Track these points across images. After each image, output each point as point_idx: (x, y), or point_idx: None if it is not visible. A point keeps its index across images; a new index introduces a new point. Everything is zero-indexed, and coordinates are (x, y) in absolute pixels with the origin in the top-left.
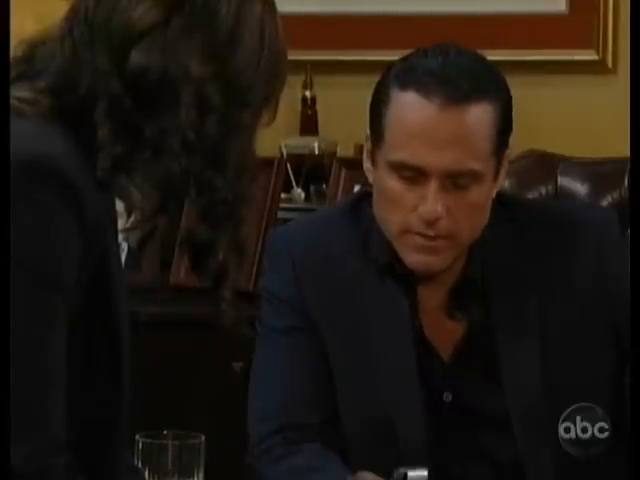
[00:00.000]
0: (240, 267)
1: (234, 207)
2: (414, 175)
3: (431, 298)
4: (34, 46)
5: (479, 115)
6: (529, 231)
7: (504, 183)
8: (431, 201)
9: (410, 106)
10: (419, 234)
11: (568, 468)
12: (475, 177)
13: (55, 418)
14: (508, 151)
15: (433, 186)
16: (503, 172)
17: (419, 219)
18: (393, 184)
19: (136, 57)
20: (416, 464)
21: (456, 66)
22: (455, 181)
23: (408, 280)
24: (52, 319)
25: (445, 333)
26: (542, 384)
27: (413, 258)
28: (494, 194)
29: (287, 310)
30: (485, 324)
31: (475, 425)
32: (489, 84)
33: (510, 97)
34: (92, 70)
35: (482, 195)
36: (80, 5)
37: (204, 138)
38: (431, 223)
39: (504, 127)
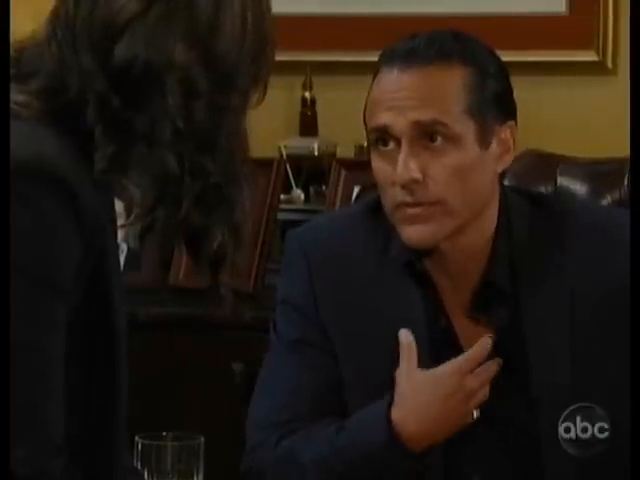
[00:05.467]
0: (238, 250)
1: (226, 190)
2: (389, 145)
3: (454, 300)
4: (20, 49)
5: (441, 75)
6: (565, 234)
7: (509, 162)
8: (400, 163)
9: (377, 81)
10: (404, 205)
11: (575, 468)
12: (448, 137)
13: (54, 421)
14: (511, 123)
15: (403, 148)
16: (506, 147)
17: (398, 188)
18: (376, 162)
19: (120, 51)
20: (432, 469)
21: (422, 38)
22: (427, 142)
23: (428, 281)
24: (52, 321)
25: (472, 336)
26: (573, 391)
27: (405, 232)
28: (498, 169)
29: (299, 319)
30: (514, 329)
31: (498, 430)
32: (454, 49)
33: (497, 68)
34: (78, 71)
35: (464, 160)
36: (61, 7)
37: (193, 123)
38: (409, 188)
39: (484, 93)
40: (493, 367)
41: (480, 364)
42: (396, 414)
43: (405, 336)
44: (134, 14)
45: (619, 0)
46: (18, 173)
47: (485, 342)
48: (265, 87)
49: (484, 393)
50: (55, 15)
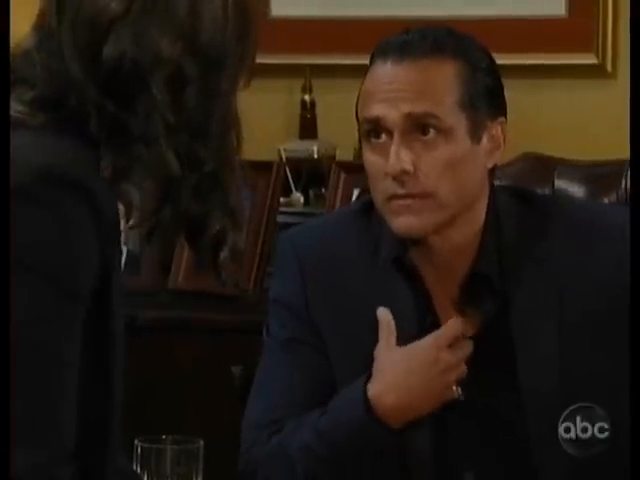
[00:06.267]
0: (237, 233)
1: (221, 175)
2: (381, 138)
3: (443, 294)
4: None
5: (434, 67)
6: (554, 229)
7: (499, 158)
8: (392, 154)
9: (371, 73)
10: (395, 197)
11: (568, 468)
12: (441, 130)
13: (67, 427)
14: (501, 119)
15: (395, 140)
16: (496, 144)
17: (390, 180)
18: (368, 155)
19: (108, 52)
20: (422, 465)
21: (415, 33)
22: (419, 134)
23: (416, 276)
24: (71, 330)
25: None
26: (560, 384)
27: (395, 222)
28: (489, 165)
29: (291, 318)
30: (502, 323)
31: (486, 425)
32: (448, 43)
33: (488, 63)
34: (68, 80)
35: (455, 153)
36: (44, 16)
37: (185, 114)
38: (400, 180)
39: (476, 87)
40: (468, 345)
41: (455, 341)
42: (373, 389)
43: (384, 314)
44: (117, 13)
45: (618, 3)
46: (40, 179)
47: (456, 319)
48: (252, 68)
49: (462, 369)
50: (39, 24)
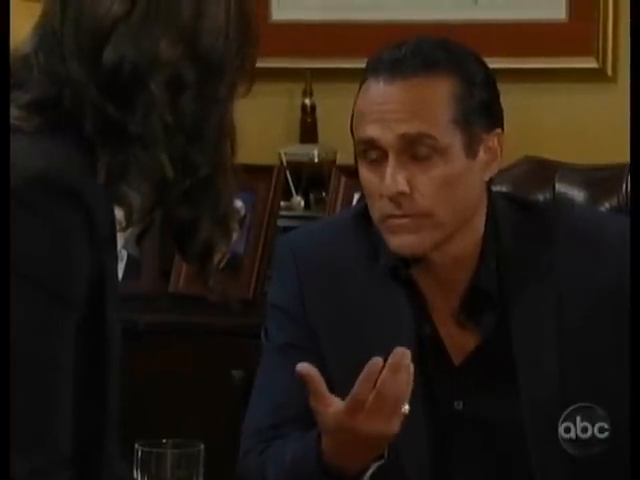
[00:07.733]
0: (226, 240)
1: (213, 181)
2: (377, 157)
3: (442, 306)
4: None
5: (427, 85)
6: (553, 236)
7: (496, 169)
8: (388, 176)
9: (364, 92)
10: (391, 217)
11: (567, 468)
12: (435, 148)
13: (62, 432)
14: (498, 130)
15: (390, 162)
16: (493, 156)
17: (386, 200)
18: (363, 172)
19: (108, 55)
20: (420, 469)
21: (408, 48)
22: (414, 154)
23: (415, 286)
24: (64, 335)
25: (459, 340)
26: (559, 391)
27: (393, 242)
28: (485, 177)
29: (289, 322)
30: (502, 334)
31: (484, 434)
32: (440, 58)
33: (484, 76)
34: (68, 81)
35: (451, 170)
36: (46, 18)
37: (182, 118)
38: (396, 201)
39: (471, 102)
40: (406, 370)
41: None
42: (325, 443)
43: (307, 371)
44: (119, 16)
45: (619, 6)
46: (34, 185)
47: (358, 389)
48: (252, 76)
49: (402, 398)
50: (41, 26)
